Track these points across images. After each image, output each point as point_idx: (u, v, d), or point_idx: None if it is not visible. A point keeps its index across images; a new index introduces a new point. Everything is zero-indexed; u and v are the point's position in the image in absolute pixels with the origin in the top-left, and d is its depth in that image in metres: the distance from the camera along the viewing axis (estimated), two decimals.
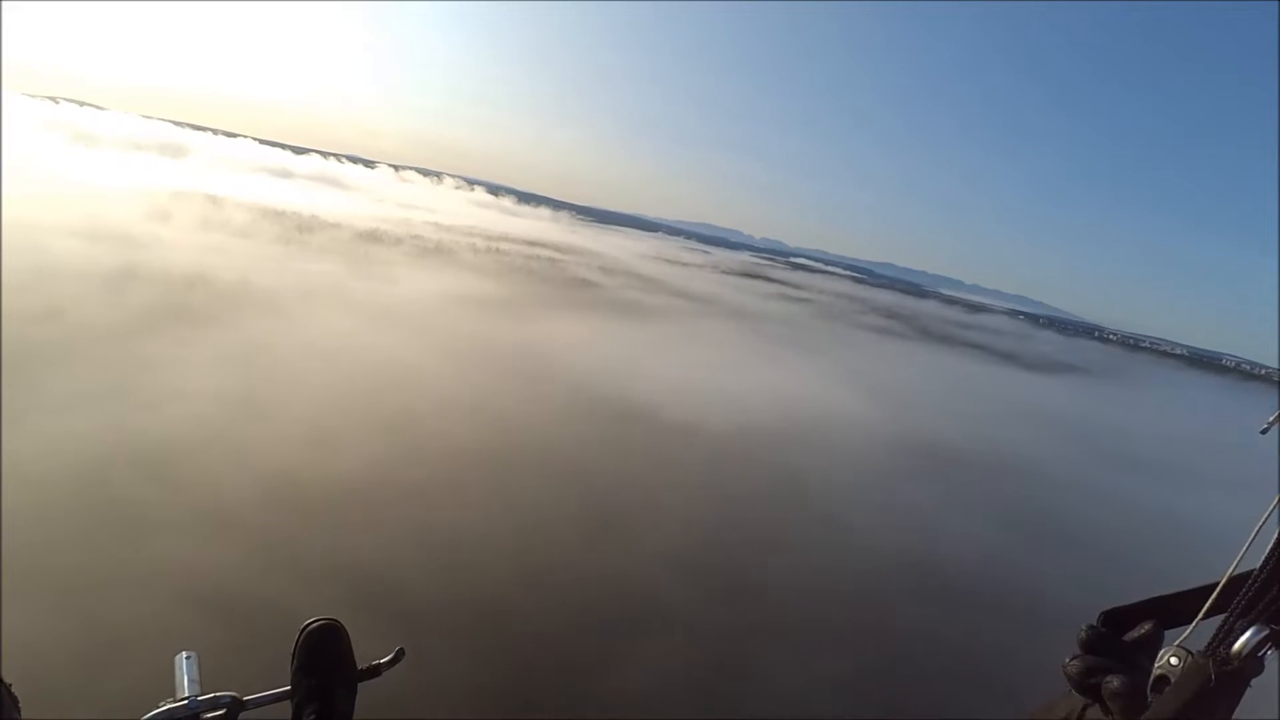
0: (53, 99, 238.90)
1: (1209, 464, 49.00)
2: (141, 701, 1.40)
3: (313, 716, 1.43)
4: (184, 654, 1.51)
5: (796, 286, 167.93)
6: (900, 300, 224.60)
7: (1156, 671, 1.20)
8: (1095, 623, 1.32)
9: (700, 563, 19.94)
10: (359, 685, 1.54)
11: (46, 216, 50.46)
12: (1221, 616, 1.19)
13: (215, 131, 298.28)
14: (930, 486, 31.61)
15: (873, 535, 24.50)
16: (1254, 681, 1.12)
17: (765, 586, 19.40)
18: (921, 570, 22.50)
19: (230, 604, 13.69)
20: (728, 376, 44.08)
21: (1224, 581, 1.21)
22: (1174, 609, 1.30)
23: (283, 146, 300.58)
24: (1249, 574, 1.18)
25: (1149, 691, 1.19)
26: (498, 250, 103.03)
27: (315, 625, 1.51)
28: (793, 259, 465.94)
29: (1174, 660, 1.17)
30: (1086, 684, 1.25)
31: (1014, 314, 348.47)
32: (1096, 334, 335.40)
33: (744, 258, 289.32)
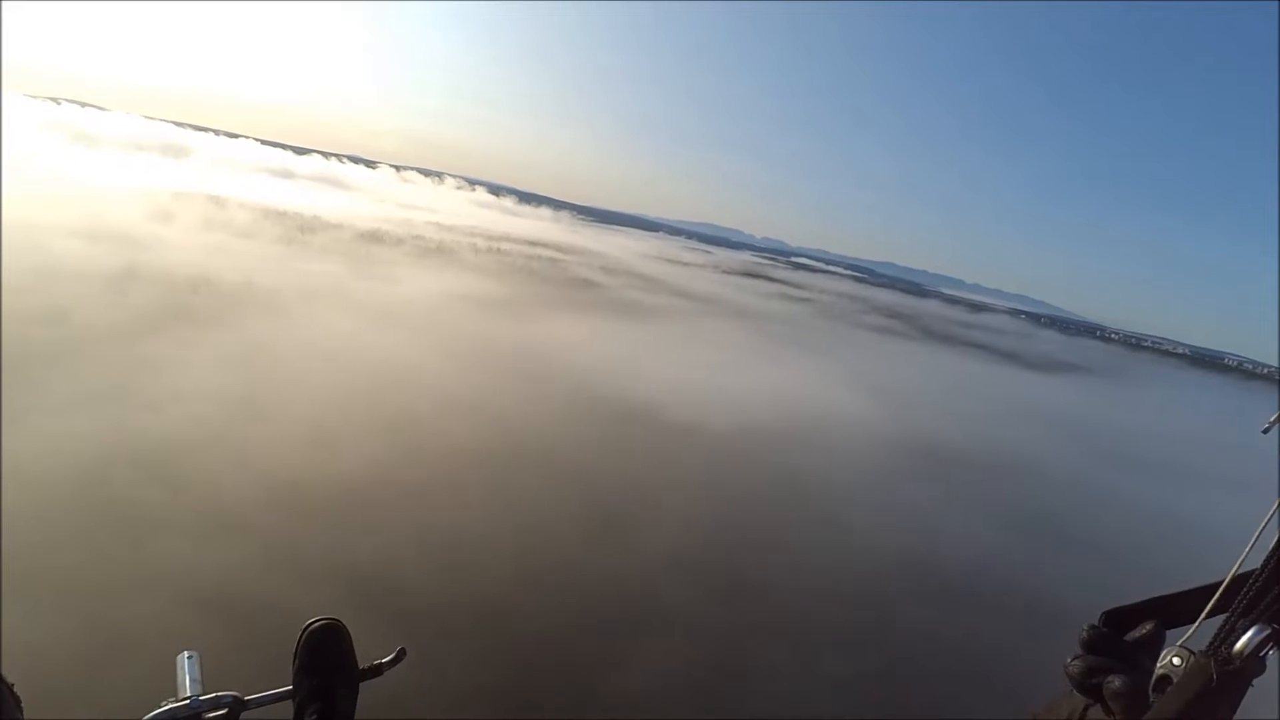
0: (54, 100, 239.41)
1: (1210, 464, 48.96)
2: (143, 701, 1.40)
3: (314, 716, 1.43)
4: (186, 654, 1.52)
5: (798, 286, 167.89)
6: (902, 300, 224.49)
7: (1159, 671, 1.20)
8: (1097, 622, 1.32)
9: (700, 562, 19.94)
10: (361, 685, 1.55)
11: (48, 217, 50.53)
12: (1223, 616, 1.19)
13: (217, 132, 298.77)
14: (931, 486, 31.59)
15: (873, 535, 24.48)
16: (1255, 681, 1.12)
17: (765, 586, 19.39)
18: (921, 570, 22.48)
19: (232, 604, 13.70)
20: (729, 376, 44.09)
21: (1227, 581, 1.21)
22: (1175, 609, 1.30)
23: (284, 147, 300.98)
24: (1251, 574, 1.18)
25: (1151, 691, 1.19)
26: (499, 250, 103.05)
27: (317, 625, 1.51)
28: (794, 258, 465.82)
29: (1176, 660, 1.17)
30: (1088, 684, 1.24)
31: (1016, 313, 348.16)
32: (1098, 333, 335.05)
33: (745, 257, 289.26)
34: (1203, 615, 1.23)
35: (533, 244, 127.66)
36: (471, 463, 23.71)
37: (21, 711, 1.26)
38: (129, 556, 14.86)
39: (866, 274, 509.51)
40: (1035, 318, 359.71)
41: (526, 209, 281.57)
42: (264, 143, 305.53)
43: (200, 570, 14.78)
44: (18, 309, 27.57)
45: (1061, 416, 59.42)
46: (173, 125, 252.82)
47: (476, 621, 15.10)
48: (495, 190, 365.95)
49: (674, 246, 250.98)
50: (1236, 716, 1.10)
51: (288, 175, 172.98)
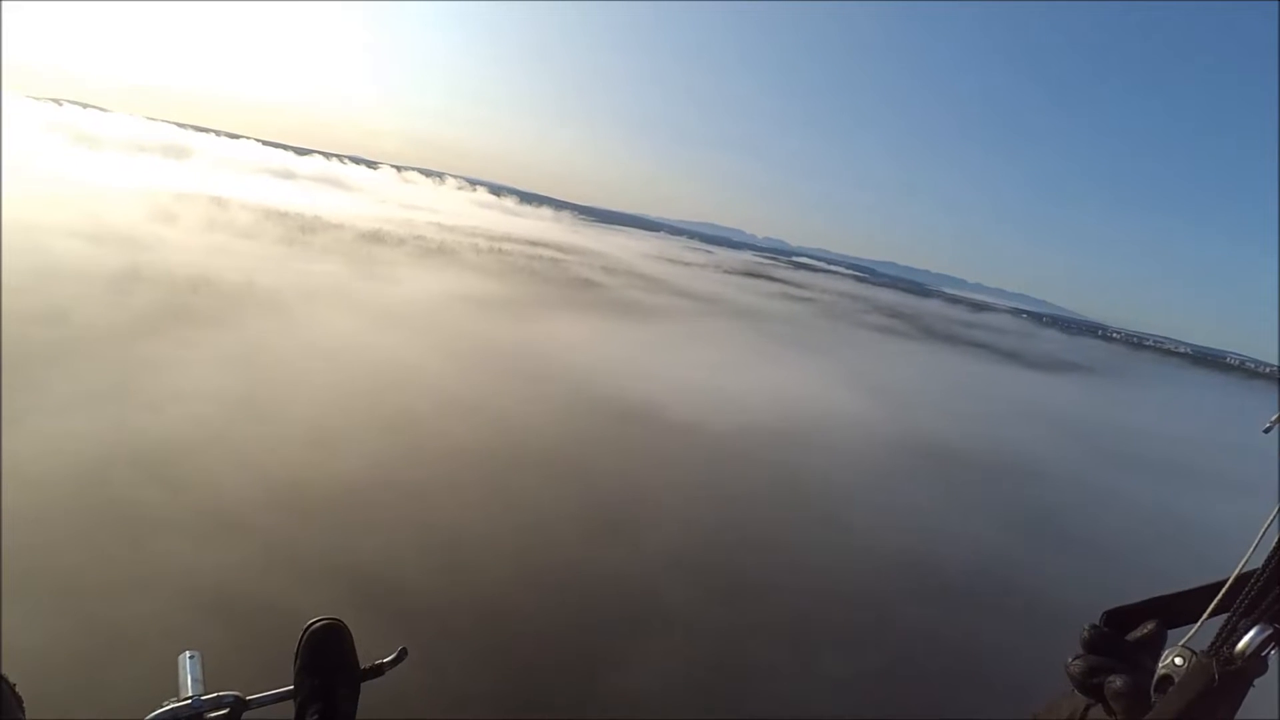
0: (56, 101, 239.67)
1: (1212, 463, 48.88)
2: (145, 701, 1.40)
3: (316, 716, 1.43)
4: (187, 654, 1.52)
5: (799, 286, 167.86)
6: (903, 299, 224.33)
7: (1160, 671, 1.19)
8: (1098, 622, 1.31)
9: (700, 562, 19.93)
10: (362, 685, 1.55)
11: (48, 217, 50.59)
12: (1225, 616, 1.19)
13: (218, 133, 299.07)
14: (932, 486, 31.57)
15: (873, 535, 24.47)
16: (1256, 681, 1.12)
17: (765, 586, 19.38)
18: (922, 570, 22.46)
19: (232, 604, 13.71)
20: (730, 376, 44.07)
21: (1230, 581, 1.21)
22: (1177, 609, 1.30)
23: (285, 148, 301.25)
24: (1253, 574, 1.17)
25: (1152, 691, 1.19)
26: (500, 250, 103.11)
27: (318, 625, 1.51)
28: (795, 258, 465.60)
29: (1178, 660, 1.17)
30: (1089, 684, 1.24)
31: (1017, 313, 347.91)
32: (1100, 332, 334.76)
33: (746, 257, 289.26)
34: (1205, 615, 1.23)
35: (534, 244, 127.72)
36: (472, 463, 23.71)
37: (23, 711, 1.26)
38: (129, 556, 14.87)
39: (868, 273, 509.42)
40: (1037, 317, 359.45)
41: (527, 209, 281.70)
42: (265, 143, 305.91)
43: (201, 570, 14.79)
44: (18, 309, 27.60)
45: (1063, 416, 59.36)
46: (174, 126, 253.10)
47: (477, 621, 15.10)
48: (496, 190, 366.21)
49: (675, 246, 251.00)
50: (1238, 716, 1.10)
51: (289, 176, 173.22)
